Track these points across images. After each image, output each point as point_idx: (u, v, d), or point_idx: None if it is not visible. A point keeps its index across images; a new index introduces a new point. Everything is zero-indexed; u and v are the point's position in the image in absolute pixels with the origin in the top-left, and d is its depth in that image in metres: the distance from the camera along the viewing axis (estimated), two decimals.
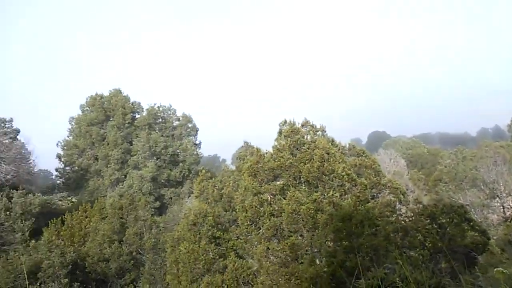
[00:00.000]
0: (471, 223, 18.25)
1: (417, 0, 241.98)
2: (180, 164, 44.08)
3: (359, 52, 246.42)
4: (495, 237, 25.14)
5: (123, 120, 43.76)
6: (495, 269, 6.18)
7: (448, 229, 16.94)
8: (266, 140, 22.17)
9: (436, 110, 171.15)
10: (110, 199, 31.50)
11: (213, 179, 23.29)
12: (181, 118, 47.30)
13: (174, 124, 47.00)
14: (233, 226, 19.59)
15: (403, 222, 17.90)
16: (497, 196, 32.11)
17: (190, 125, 47.09)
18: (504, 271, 6.06)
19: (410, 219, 18.11)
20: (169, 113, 47.49)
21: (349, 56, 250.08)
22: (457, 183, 34.12)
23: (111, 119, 44.32)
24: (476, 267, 12.73)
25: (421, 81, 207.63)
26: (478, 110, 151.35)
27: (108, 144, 43.01)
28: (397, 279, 6.05)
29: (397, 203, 19.50)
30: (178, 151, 44.95)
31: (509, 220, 27.88)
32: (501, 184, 32.33)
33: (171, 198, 41.70)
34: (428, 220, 17.43)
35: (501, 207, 31.56)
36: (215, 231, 18.40)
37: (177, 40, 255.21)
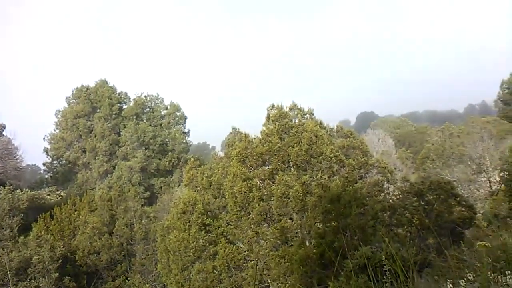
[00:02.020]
0: (458, 199, 18.50)
1: None
2: (169, 153, 43.86)
3: (345, 33, 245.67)
4: (481, 212, 25.49)
5: (110, 111, 43.28)
6: (478, 243, 6.23)
7: (435, 206, 17.15)
8: (256, 125, 22.08)
9: (424, 88, 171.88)
10: (99, 191, 31.32)
11: (202, 166, 23.25)
12: (169, 107, 46.85)
13: (162, 113, 46.57)
14: (223, 212, 19.62)
15: (391, 200, 18.09)
16: (484, 171, 32.41)
17: (178, 114, 46.69)
18: (487, 244, 6.10)
19: (398, 197, 18.30)
20: (157, 102, 47.02)
21: (336, 39, 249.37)
22: (444, 160, 34.37)
23: (98, 111, 43.81)
24: (462, 241, 12.90)
25: (408, 60, 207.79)
26: (465, 87, 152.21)
27: (95, 136, 42.58)
28: (383, 257, 6.08)
29: (385, 182, 19.69)
30: (166, 140, 44.67)
31: (495, 194, 28.22)
32: (487, 159, 32.64)
33: (161, 187, 41.58)
34: (416, 198, 17.62)
35: (488, 181, 31.88)
36: (205, 218, 18.42)
37: (163, 28, 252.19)
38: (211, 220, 18.61)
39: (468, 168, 33.01)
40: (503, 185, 25.10)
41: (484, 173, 32.55)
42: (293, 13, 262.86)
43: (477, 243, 6.23)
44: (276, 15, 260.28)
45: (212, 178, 21.34)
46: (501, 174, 26.38)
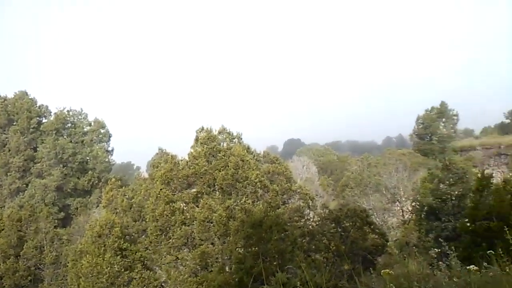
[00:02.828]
0: (372, 226, 19.44)
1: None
2: (89, 172, 41.79)
3: (275, 61, 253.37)
4: (394, 239, 26.97)
5: (28, 125, 40.67)
6: (383, 271, 6.54)
7: (351, 232, 17.86)
8: (185, 147, 21.85)
9: (347, 119, 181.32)
10: (8, 210, 28.94)
11: (124, 187, 22.49)
12: (93, 123, 44.98)
13: (85, 129, 44.53)
14: (142, 236, 18.98)
15: (310, 226, 18.58)
16: (398, 200, 34.57)
17: (102, 131, 44.93)
18: (391, 272, 6.42)
19: (317, 223, 18.84)
20: (80, 117, 45.00)
21: (269, 65, 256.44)
22: (362, 188, 36.04)
23: (14, 123, 41.02)
24: (373, 268, 13.51)
25: (336, 92, 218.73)
26: (384, 120, 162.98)
27: (9, 150, 39.67)
28: (298, 283, 6.18)
29: (306, 208, 20.22)
30: (87, 158, 42.64)
31: (407, 223, 30.08)
32: (401, 189, 34.85)
33: (77, 208, 39.24)
34: (333, 224, 18.25)
35: (401, 210, 34.03)
36: (122, 242, 17.66)
37: (91, 43, 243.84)
38: (129, 245, 17.89)
39: (384, 197, 34.92)
40: (414, 214, 26.84)
41: (397, 203, 34.63)
42: (229, 37, 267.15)
43: (382, 271, 6.56)
44: (210, 37, 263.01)
45: (133, 200, 20.67)
46: (413, 204, 28.22)
